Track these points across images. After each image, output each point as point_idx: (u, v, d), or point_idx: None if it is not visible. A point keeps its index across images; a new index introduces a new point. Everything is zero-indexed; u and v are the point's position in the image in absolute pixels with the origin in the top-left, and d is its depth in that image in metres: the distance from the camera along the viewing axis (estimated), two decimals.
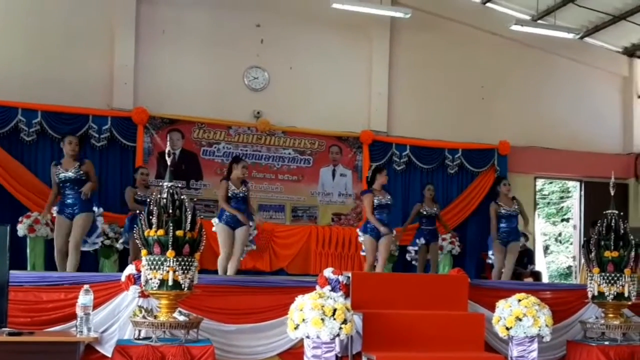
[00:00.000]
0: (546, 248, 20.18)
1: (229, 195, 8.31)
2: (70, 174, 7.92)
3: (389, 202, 8.88)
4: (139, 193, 9.19)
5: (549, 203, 20.81)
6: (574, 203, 14.28)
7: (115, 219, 9.89)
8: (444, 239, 11.02)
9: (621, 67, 13.51)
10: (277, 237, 10.82)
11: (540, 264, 16.74)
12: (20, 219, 9.34)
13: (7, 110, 10.13)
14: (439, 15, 12.43)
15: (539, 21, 12.33)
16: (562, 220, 20.36)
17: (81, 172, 7.96)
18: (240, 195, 8.36)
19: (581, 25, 12.54)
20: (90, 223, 8.03)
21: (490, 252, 9.62)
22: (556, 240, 20.52)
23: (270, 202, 11.41)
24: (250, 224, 8.45)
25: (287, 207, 11.52)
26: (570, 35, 11.95)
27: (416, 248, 10.40)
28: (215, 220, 8.41)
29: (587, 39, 12.95)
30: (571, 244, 16.42)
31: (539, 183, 17.23)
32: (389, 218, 8.95)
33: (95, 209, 8.06)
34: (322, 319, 5.50)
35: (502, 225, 9.50)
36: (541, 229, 19.49)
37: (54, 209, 8.03)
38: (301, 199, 11.61)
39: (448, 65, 12.39)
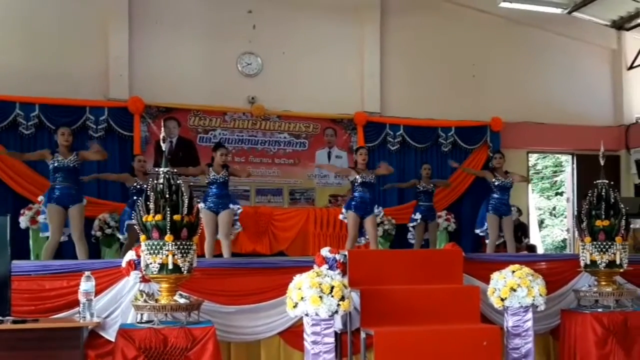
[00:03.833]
0: (541, 222, 20.28)
1: (210, 180, 8.56)
2: (67, 162, 8.07)
3: (372, 181, 9.12)
4: (138, 181, 9.27)
5: (542, 178, 20.91)
6: (567, 176, 14.39)
7: (115, 208, 10.05)
8: (439, 216, 11.18)
9: (610, 40, 13.62)
10: (276, 220, 10.93)
11: (536, 237, 16.87)
12: (22, 211, 9.50)
13: (5, 104, 10.31)
14: None
15: None
16: (556, 194, 20.45)
17: (78, 161, 8.15)
18: (220, 180, 8.65)
19: (569, 0, 12.59)
20: (84, 212, 8.27)
21: (483, 228, 9.74)
22: (551, 214, 20.62)
23: (267, 186, 11.57)
24: (231, 206, 8.70)
25: (285, 190, 11.68)
26: (559, 10, 12.04)
27: (414, 224, 10.54)
28: (200, 205, 8.58)
29: (575, 14, 12.99)
30: (565, 217, 16.55)
31: (533, 158, 17.36)
32: (371, 197, 9.19)
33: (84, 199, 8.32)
34: (320, 297, 5.57)
35: (495, 196, 9.64)
36: (535, 203, 19.60)
37: (42, 198, 8.16)
38: (298, 182, 11.77)
39: (438, 45, 12.49)
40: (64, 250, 8.76)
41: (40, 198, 8.47)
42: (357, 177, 9.06)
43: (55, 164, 8.07)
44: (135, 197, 8.91)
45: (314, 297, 5.57)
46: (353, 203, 9.10)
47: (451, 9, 12.66)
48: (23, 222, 9.41)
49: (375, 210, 9.21)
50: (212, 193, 8.65)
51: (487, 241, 9.78)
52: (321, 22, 12.09)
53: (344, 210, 9.25)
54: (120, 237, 9.47)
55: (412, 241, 10.69)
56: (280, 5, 11.90)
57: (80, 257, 8.01)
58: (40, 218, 8.60)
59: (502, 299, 6.36)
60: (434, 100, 12.36)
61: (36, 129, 10.42)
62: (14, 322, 5.20)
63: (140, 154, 10.22)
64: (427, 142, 12.26)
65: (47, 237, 8.29)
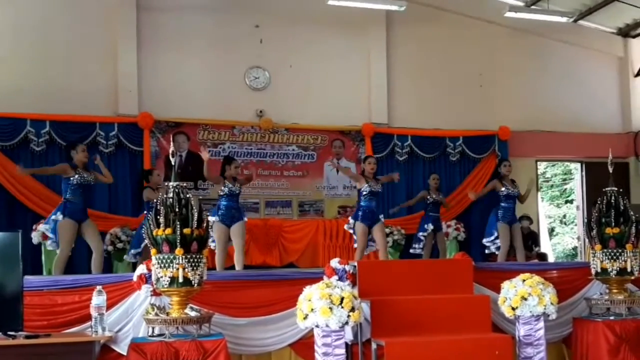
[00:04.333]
0: (551, 230, 20.25)
1: (226, 192, 8.58)
2: (88, 179, 8.24)
3: (380, 190, 9.16)
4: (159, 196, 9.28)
5: (552, 186, 20.89)
6: (576, 184, 14.38)
7: (126, 222, 10.15)
8: (449, 226, 11.19)
9: (616, 47, 13.63)
10: (286, 232, 10.96)
11: (546, 246, 16.83)
12: (34, 227, 9.53)
13: (17, 121, 10.39)
14: (433, 6, 12.60)
15: (533, 7, 12.41)
16: (566, 202, 20.41)
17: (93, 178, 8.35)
18: (236, 192, 8.69)
19: (574, 9, 12.64)
20: None
21: (491, 238, 9.72)
22: (561, 222, 20.58)
23: (276, 198, 11.62)
24: (245, 219, 8.76)
25: (294, 202, 11.72)
26: (564, 19, 12.07)
27: (425, 234, 10.54)
28: (212, 218, 8.60)
29: (581, 22, 13.03)
30: (576, 225, 16.51)
31: (542, 166, 17.34)
32: (377, 205, 9.24)
33: None
34: (330, 308, 5.59)
35: (504, 205, 9.65)
36: (545, 211, 19.57)
37: (60, 215, 8.17)
38: (307, 194, 11.80)
39: (445, 55, 12.55)
40: (75, 264, 8.85)
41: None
42: (366, 186, 9.06)
43: (80, 181, 8.16)
44: None
45: (324, 309, 5.59)
46: (360, 213, 9.06)
47: (457, 20, 12.71)
48: (35, 237, 9.46)
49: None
50: (226, 205, 8.63)
51: (487, 252, 9.81)
52: (327, 35, 12.17)
53: (350, 220, 9.21)
54: (132, 252, 9.47)
55: (414, 251, 10.68)
56: (287, 19, 11.98)
57: (96, 270, 8.10)
58: (42, 228, 8.62)
59: (513, 308, 6.37)
60: (442, 110, 12.40)
61: (47, 145, 10.49)
62: (27, 337, 5.22)
63: (151, 168, 10.31)
64: (435, 152, 12.28)
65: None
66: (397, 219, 11.26)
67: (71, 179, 8.15)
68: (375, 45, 12.34)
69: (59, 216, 8.11)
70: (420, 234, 10.63)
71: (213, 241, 8.51)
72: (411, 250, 10.77)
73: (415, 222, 10.93)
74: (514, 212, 9.75)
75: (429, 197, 10.61)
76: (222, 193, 8.68)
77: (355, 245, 9.22)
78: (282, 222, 11.16)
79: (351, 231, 9.26)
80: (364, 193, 9.07)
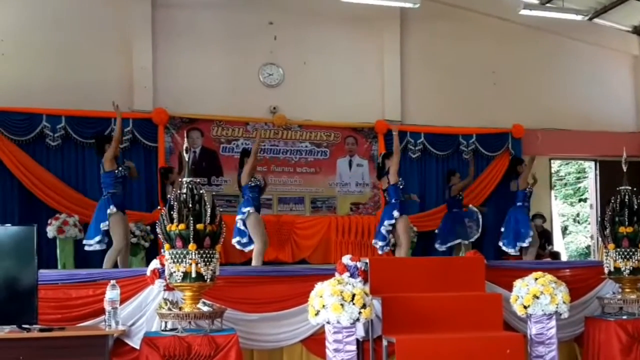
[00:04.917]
0: (565, 229, 20.17)
1: (254, 184, 8.70)
2: (128, 172, 8.60)
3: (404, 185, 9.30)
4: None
5: (565, 184, 20.81)
6: (590, 183, 14.32)
7: (141, 218, 10.20)
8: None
9: (631, 46, 13.54)
10: (298, 229, 11.03)
11: (559, 244, 16.75)
12: (49, 221, 9.64)
13: (33, 116, 10.47)
14: (447, 4, 12.54)
15: (547, 4, 12.33)
16: (580, 200, 20.35)
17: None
18: (262, 184, 8.98)
19: (589, 7, 12.55)
20: None
21: (530, 238, 9.74)
22: (574, 221, 20.51)
23: (289, 194, 11.64)
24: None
25: (307, 198, 11.73)
26: (579, 17, 12.00)
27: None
28: (247, 209, 8.69)
29: (596, 20, 12.93)
30: (589, 223, 16.45)
31: (555, 165, 17.26)
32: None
33: None
34: (342, 305, 5.59)
35: (527, 204, 9.68)
36: (559, 210, 19.50)
37: (113, 208, 8.29)
38: (319, 190, 11.82)
39: (459, 52, 12.50)
40: (90, 257, 8.92)
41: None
42: (401, 180, 9.24)
43: (124, 172, 8.49)
44: None
45: (335, 305, 5.60)
46: (399, 207, 9.23)
47: (471, 17, 12.66)
48: (50, 231, 9.55)
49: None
50: (256, 197, 8.93)
51: (513, 252, 9.81)
52: (341, 32, 12.16)
53: (395, 213, 9.26)
54: None
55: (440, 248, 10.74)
56: (301, 16, 11.98)
57: (123, 264, 8.26)
58: (104, 225, 8.42)
59: (525, 307, 6.35)
60: (455, 108, 12.37)
61: (63, 140, 10.58)
62: (41, 330, 5.27)
63: (171, 166, 10.38)
64: (448, 150, 12.26)
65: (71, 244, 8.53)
66: (410, 217, 11.25)
67: (116, 172, 8.37)
68: (389, 42, 12.32)
69: (113, 209, 8.25)
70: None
71: (244, 233, 8.75)
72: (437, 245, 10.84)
73: (428, 220, 10.94)
74: None
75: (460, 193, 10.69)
76: (252, 184, 8.81)
77: (396, 242, 9.40)
78: (294, 218, 11.21)
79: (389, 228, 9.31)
80: (401, 188, 9.21)
